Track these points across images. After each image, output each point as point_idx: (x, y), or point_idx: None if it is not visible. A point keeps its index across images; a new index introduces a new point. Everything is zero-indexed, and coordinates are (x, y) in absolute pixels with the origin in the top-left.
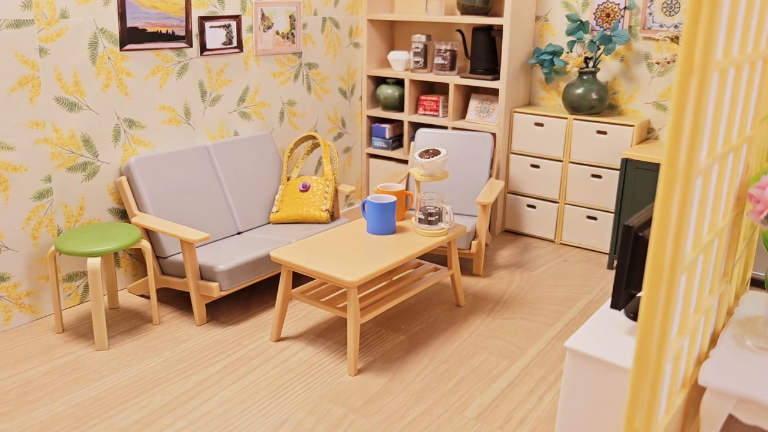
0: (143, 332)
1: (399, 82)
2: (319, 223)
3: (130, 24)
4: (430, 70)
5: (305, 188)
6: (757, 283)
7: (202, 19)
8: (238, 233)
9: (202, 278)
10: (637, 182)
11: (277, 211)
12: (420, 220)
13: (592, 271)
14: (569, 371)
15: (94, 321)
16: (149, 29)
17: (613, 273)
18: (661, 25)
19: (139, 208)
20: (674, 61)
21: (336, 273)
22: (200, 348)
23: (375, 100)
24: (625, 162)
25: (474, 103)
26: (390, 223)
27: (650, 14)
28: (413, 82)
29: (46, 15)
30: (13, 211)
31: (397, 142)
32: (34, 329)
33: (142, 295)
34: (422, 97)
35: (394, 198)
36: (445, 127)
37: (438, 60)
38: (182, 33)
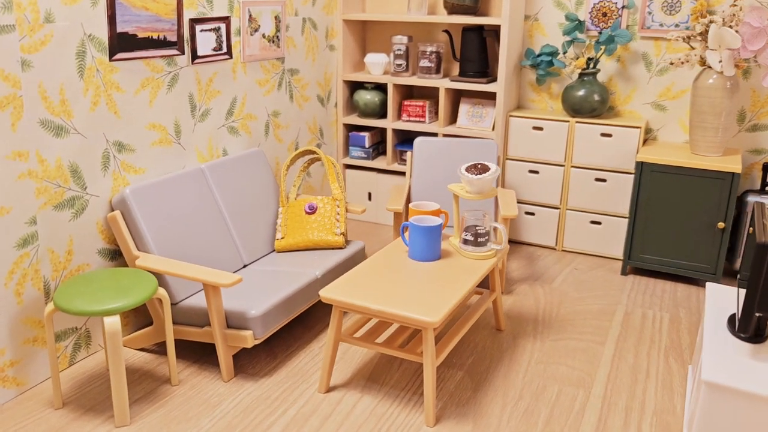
0: (164, 396)
1: (377, 87)
2: (334, 248)
3: (120, 29)
4: (413, 73)
5: (312, 210)
6: None
7: (193, 22)
8: (244, 266)
9: (228, 326)
10: (654, 186)
11: (282, 238)
12: (466, 242)
13: (609, 278)
14: (709, 406)
15: (114, 393)
16: (140, 35)
17: (630, 279)
18: (661, 25)
19: (138, 247)
20: (688, 61)
21: (411, 313)
22: (242, 411)
23: (351, 107)
24: (641, 165)
25: (464, 108)
26: (436, 248)
27: (650, 13)
28: (396, 86)
29: (28, 19)
30: None
31: (376, 150)
32: (24, 406)
33: (141, 349)
34: (406, 103)
35: (439, 220)
36: (435, 134)
37: (423, 63)
38: (174, 38)
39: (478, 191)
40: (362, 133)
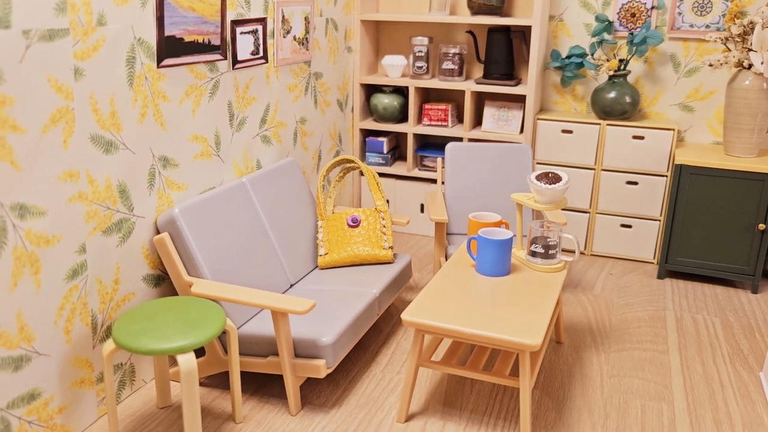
0: None
1: (395, 90)
2: (384, 263)
3: (167, 32)
4: (433, 75)
5: (356, 223)
6: None
7: (234, 24)
8: (291, 286)
9: (296, 355)
10: (691, 188)
11: (326, 254)
12: (534, 254)
13: (646, 283)
14: None
15: None
16: (186, 38)
17: (668, 282)
18: (691, 25)
19: (189, 272)
20: (727, 63)
21: (509, 336)
22: None
23: (367, 111)
24: (679, 168)
25: (490, 111)
26: (506, 263)
27: (680, 14)
28: (417, 89)
29: (82, 21)
30: (45, 300)
31: (393, 156)
32: None
33: None
34: (427, 106)
35: (509, 233)
36: (460, 139)
37: (446, 65)
38: (218, 42)
39: (548, 201)
40: (380, 139)
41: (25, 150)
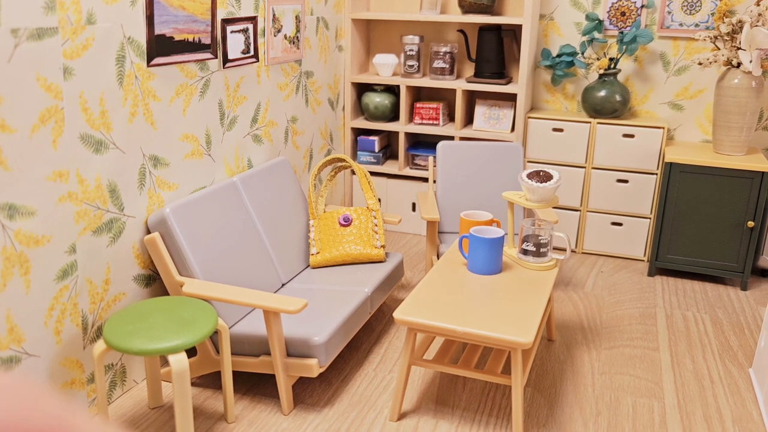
0: None
1: (387, 89)
2: (375, 262)
3: (158, 30)
4: (424, 74)
5: (347, 222)
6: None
7: (224, 23)
8: (283, 285)
9: (288, 354)
10: (682, 186)
11: (317, 253)
12: (526, 252)
13: (637, 280)
14: None
15: None
16: (176, 37)
17: (658, 280)
18: (680, 24)
19: (180, 272)
20: (716, 61)
21: (501, 334)
22: None
23: (358, 110)
24: (670, 166)
25: (481, 110)
26: (498, 261)
27: (669, 13)
28: (409, 88)
29: (71, 20)
30: (36, 301)
31: (384, 155)
32: None
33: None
34: (418, 105)
35: (501, 231)
36: (452, 137)
37: (437, 63)
38: (208, 41)
39: (540, 199)
40: (371, 137)
41: (14, 150)
